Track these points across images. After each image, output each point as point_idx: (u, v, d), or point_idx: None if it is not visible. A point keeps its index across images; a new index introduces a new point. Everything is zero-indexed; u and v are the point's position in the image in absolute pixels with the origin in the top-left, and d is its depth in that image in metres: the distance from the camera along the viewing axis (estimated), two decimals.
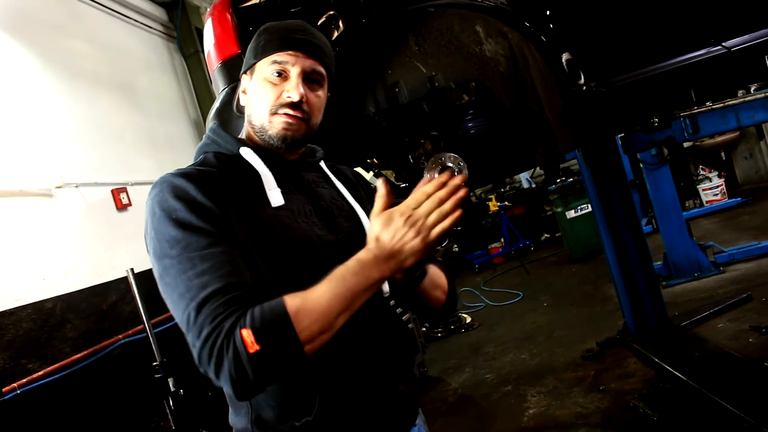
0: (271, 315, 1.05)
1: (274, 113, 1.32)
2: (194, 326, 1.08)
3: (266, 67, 1.34)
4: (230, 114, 2.37)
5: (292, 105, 1.31)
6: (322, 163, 1.52)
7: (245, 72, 1.41)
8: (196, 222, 1.15)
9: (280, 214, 1.27)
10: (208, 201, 1.18)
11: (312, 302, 1.07)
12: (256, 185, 1.31)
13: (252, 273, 1.17)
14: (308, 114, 1.34)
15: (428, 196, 1.14)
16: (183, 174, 1.23)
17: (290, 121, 1.32)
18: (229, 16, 2.40)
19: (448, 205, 1.13)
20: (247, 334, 1.02)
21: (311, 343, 1.07)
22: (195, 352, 1.08)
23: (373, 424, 1.31)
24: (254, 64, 1.37)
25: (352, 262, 1.12)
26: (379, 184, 1.20)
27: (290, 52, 1.32)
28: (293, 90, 1.30)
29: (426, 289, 1.40)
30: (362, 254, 1.13)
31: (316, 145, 1.56)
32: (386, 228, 1.13)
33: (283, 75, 1.33)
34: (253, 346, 1.02)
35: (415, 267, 1.19)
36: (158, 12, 7.66)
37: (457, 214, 1.14)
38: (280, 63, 1.32)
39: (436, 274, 1.45)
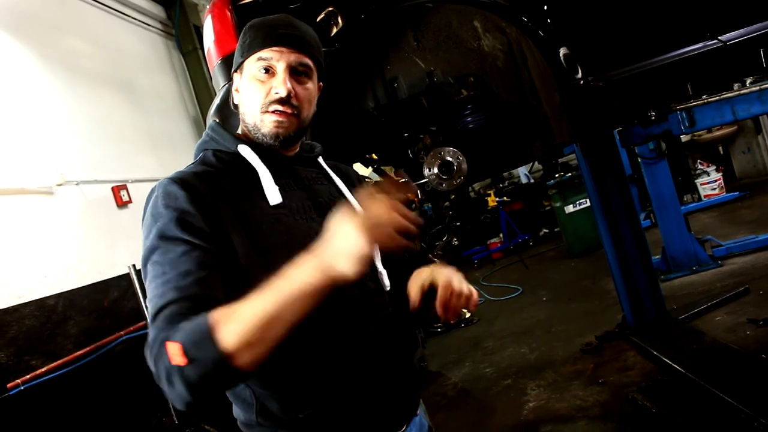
0: (194, 328, 1.02)
1: (265, 111, 1.33)
2: (149, 331, 1.10)
3: (253, 64, 1.34)
4: (230, 110, 2.39)
5: (280, 101, 1.32)
6: (321, 159, 1.53)
7: (235, 71, 1.42)
8: (175, 231, 1.17)
9: (278, 213, 1.29)
10: (195, 209, 1.19)
11: (237, 314, 1.02)
12: (254, 183, 1.32)
13: (247, 275, 1.19)
14: (298, 108, 1.35)
15: (391, 211, 1.07)
16: (178, 179, 1.24)
17: (281, 119, 1.33)
18: (228, 13, 2.41)
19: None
20: (172, 347, 1.01)
21: (239, 357, 1.01)
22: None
23: (374, 416, 1.32)
24: (242, 62, 1.38)
25: (288, 271, 1.06)
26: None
27: (274, 48, 1.32)
28: (280, 85, 1.31)
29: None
30: (302, 257, 1.07)
31: (314, 141, 1.58)
32: (344, 242, 1.05)
33: (269, 71, 1.33)
34: (178, 358, 1.01)
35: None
36: (156, 10, 7.67)
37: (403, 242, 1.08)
38: (265, 59, 1.33)
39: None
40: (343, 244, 1.04)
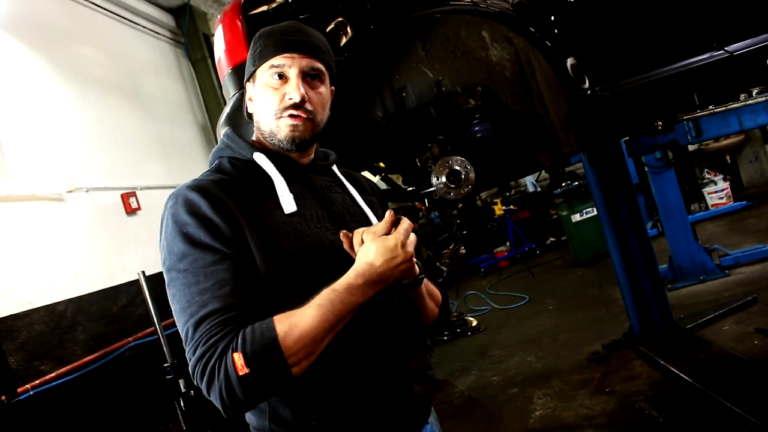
0: (261, 339, 1.10)
1: (280, 117, 1.35)
2: (191, 342, 1.15)
3: (265, 72, 1.36)
4: (241, 119, 2.41)
5: (294, 106, 1.33)
6: (335, 167, 1.55)
7: (248, 80, 1.43)
8: (205, 239, 1.20)
9: (293, 221, 1.30)
10: (219, 218, 1.22)
11: (300, 328, 1.12)
12: (269, 191, 1.33)
13: (263, 282, 1.22)
14: (312, 112, 1.36)
15: (410, 230, 1.25)
16: (197, 187, 1.26)
17: (296, 122, 1.34)
18: (239, 23, 2.44)
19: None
20: (237, 357, 1.08)
21: (298, 366, 1.12)
22: (190, 366, 1.15)
23: (387, 423, 1.34)
24: (254, 71, 1.40)
25: (340, 287, 1.18)
26: (388, 214, 1.25)
27: (286, 54, 1.34)
28: (293, 91, 1.33)
29: (422, 297, 1.45)
30: (352, 279, 1.19)
31: (328, 150, 1.60)
32: (382, 256, 1.19)
33: (282, 78, 1.35)
34: (242, 369, 1.08)
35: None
36: (166, 18, 7.73)
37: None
38: (277, 66, 1.34)
39: (430, 286, 1.50)
40: (394, 265, 1.20)
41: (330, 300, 1.15)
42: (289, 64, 1.34)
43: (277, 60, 1.35)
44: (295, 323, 1.12)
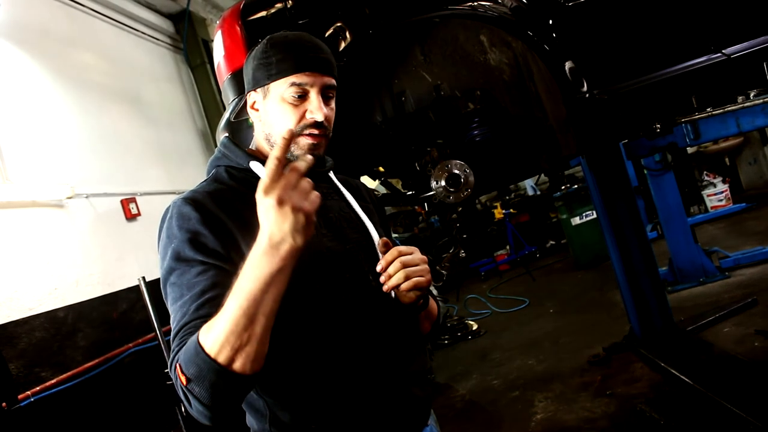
0: (189, 345, 1.08)
1: (299, 134, 1.33)
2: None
3: (285, 88, 1.33)
4: (240, 124, 2.42)
5: (316, 125, 1.32)
6: (332, 174, 1.55)
7: (254, 88, 1.39)
8: (190, 252, 1.21)
9: None
10: (208, 230, 1.22)
11: (216, 324, 1.05)
12: None
13: None
14: (328, 129, 1.37)
15: (275, 179, 1.04)
16: (191, 200, 1.27)
17: (315, 142, 1.34)
18: (238, 29, 2.44)
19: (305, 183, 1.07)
20: (178, 368, 1.08)
21: (236, 361, 1.05)
22: None
23: (386, 426, 1.34)
24: (268, 84, 1.35)
25: (244, 266, 1.06)
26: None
27: (308, 72, 1.33)
28: (317, 111, 1.32)
29: (420, 318, 1.48)
30: (251, 253, 1.06)
31: (326, 156, 1.60)
32: (267, 218, 1.04)
33: (302, 96, 1.34)
34: (183, 378, 1.07)
35: (419, 297, 1.30)
36: (165, 24, 7.74)
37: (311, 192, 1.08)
38: (300, 85, 1.32)
39: (431, 306, 1.51)
40: (274, 224, 1.03)
41: (237, 285, 1.06)
42: (311, 82, 1.33)
43: (300, 78, 1.32)
44: (213, 320, 1.06)
